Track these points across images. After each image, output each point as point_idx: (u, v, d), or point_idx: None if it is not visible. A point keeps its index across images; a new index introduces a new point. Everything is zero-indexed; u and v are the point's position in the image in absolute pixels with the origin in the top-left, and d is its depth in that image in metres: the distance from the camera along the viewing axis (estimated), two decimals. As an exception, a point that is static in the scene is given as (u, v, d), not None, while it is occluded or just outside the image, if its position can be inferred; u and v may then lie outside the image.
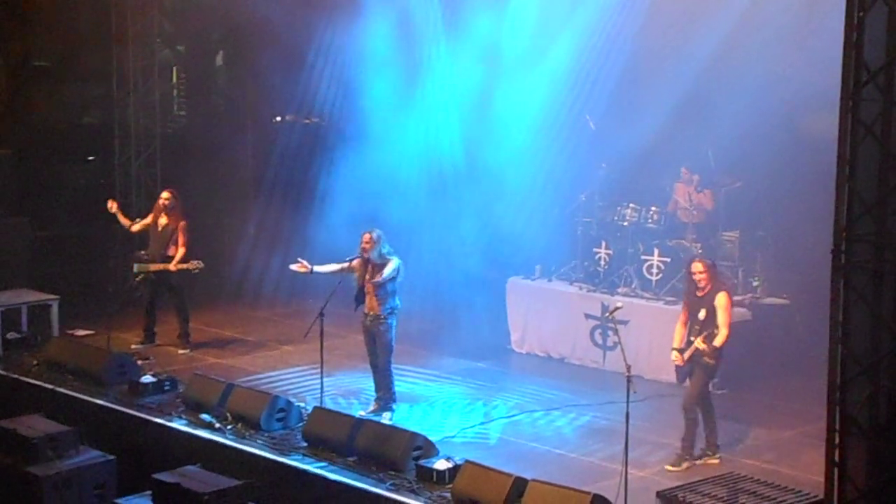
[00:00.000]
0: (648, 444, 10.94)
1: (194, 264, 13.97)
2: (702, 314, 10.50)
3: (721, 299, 10.50)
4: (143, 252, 14.38)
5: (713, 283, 10.57)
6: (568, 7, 14.42)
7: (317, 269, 11.89)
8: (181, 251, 14.01)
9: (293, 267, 12.05)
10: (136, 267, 14.24)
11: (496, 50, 15.06)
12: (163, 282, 14.19)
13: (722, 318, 10.45)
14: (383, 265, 11.57)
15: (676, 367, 10.69)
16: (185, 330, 14.41)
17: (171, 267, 13.97)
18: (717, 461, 10.58)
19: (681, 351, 10.59)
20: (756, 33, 13.10)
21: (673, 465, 10.51)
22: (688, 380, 10.66)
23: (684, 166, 13.72)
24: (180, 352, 14.25)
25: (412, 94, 15.57)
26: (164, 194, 14.28)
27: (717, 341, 10.43)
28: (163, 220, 14.15)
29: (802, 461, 10.43)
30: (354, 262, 11.68)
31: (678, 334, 10.70)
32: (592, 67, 14.38)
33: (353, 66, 15.81)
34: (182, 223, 14.12)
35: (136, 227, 14.48)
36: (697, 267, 10.67)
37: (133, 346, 14.25)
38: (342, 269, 11.77)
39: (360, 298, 11.74)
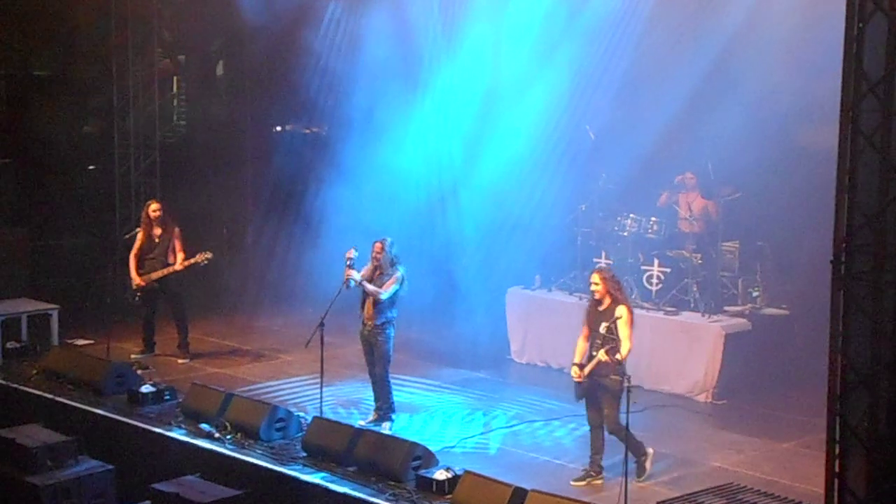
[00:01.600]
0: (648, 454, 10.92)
1: (202, 256, 13.97)
2: (603, 328, 10.05)
3: (622, 312, 10.10)
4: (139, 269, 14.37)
5: (612, 296, 10.20)
6: (567, 18, 14.45)
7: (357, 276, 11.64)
8: (181, 255, 14.03)
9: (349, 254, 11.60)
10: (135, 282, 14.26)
11: (496, 60, 15.09)
12: (164, 289, 14.19)
13: (624, 332, 10.05)
14: (389, 274, 11.57)
15: (575, 383, 10.25)
16: (185, 340, 14.40)
17: (178, 266, 13.96)
18: (600, 482, 10.30)
19: (581, 366, 10.20)
20: (754, 45, 13.12)
21: (639, 479, 10.28)
22: (599, 403, 10.22)
23: (690, 171, 13.67)
24: (180, 361, 14.24)
25: (412, 103, 15.59)
26: (154, 206, 14.24)
27: (620, 355, 10.01)
28: (157, 231, 14.16)
29: (802, 472, 10.40)
30: (365, 272, 11.69)
31: (579, 349, 10.32)
32: (592, 78, 14.40)
33: (353, 75, 15.84)
34: (176, 230, 14.15)
35: (135, 251, 14.35)
36: (594, 278, 10.33)
37: (133, 357, 14.23)
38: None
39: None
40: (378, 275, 11.61)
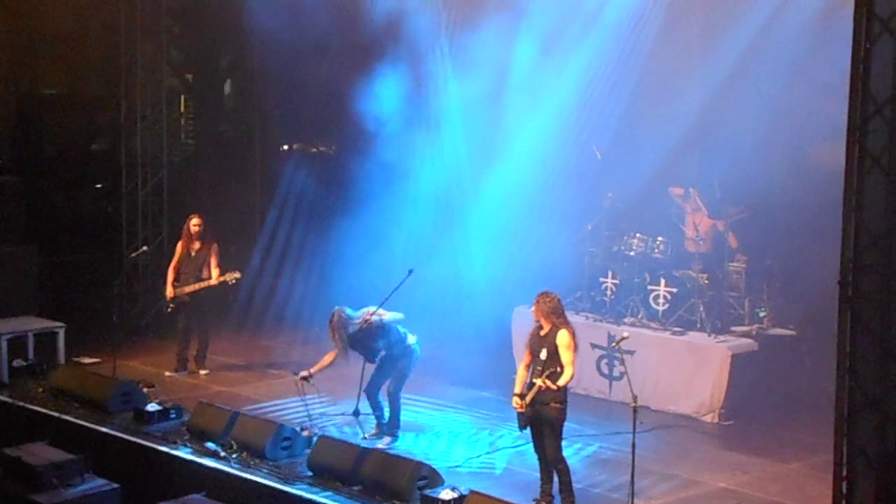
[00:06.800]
0: (654, 474, 10.88)
1: (231, 275, 14.03)
2: (543, 354, 9.78)
3: (563, 338, 9.79)
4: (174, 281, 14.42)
5: (552, 321, 9.89)
6: (575, 37, 14.47)
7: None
8: (216, 271, 14.09)
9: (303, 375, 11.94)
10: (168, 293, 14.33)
11: (503, 80, 15.11)
12: (197, 304, 14.24)
13: (565, 357, 9.74)
14: (374, 338, 11.76)
15: (518, 413, 9.89)
16: (205, 352, 14.49)
17: (214, 281, 14.02)
18: None
19: (521, 396, 9.83)
20: (763, 64, 13.14)
21: None
22: (542, 432, 9.99)
23: (693, 187, 13.64)
24: (201, 373, 14.37)
25: (419, 123, 15.62)
26: (195, 221, 14.29)
27: (561, 380, 9.69)
28: (196, 246, 14.24)
29: (810, 493, 10.37)
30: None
31: (520, 378, 10.03)
32: (599, 97, 14.40)
33: (360, 95, 15.86)
34: (214, 245, 14.22)
35: (174, 264, 14.41)
36: (533, 307, 10.06)
37: (167, 374, 14.34)
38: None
39: None
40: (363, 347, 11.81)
